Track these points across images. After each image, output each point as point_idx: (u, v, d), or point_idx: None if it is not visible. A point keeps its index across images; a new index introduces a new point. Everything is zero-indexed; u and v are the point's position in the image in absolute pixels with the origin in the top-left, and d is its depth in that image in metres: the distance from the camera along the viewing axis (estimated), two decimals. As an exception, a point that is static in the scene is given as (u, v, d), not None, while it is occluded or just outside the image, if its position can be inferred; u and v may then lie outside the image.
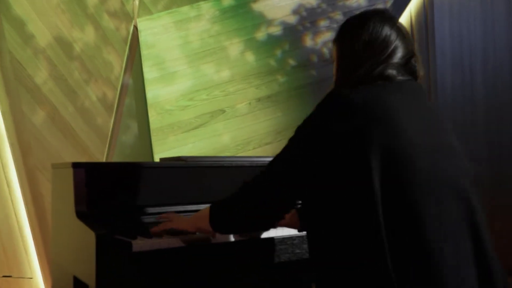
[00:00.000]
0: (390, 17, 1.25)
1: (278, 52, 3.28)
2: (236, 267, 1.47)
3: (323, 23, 3.33)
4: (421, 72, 1.25)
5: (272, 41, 3.27)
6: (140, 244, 1.29)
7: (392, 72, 1.17)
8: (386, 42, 1.19)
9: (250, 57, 3.24)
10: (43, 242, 2.60)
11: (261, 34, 3.26)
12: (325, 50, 3.33)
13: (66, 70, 2.76)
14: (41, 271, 2.61)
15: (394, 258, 1.03)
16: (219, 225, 1.31)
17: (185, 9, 3.15)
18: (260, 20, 3.26)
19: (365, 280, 1.05)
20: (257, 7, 3.25)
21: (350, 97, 1.11)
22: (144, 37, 3.08)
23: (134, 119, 3.13)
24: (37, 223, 2.60)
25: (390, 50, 1.19)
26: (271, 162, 1.23)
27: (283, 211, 1.24)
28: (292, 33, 3.30)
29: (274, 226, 1.33)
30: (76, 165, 1.47)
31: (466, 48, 3.54)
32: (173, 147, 3.14)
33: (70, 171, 1.46)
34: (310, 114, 1.18)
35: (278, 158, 1.22)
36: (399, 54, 1.20)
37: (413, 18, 3.48)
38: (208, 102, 3.19)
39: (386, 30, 1.20)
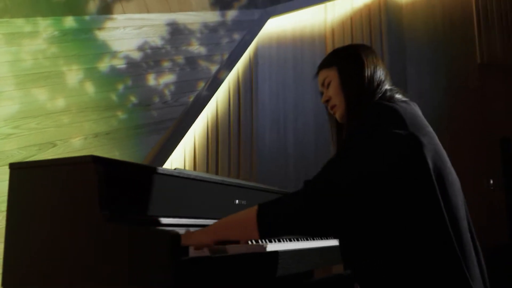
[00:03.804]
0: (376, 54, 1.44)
1: (120, 87, 3.05)
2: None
3: (166, 64, 3.27)
4: None
5: (114, 75, 3.03)
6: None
7: (397, 94, 1.35)
8: (384, 71, 1.38)
9: (89, 88, 2.93)
10: None
11: (103, 65, 3.00)
12: (167, 92, 3.26)
13: None
14: None
15: (461, 252, 1.09)
16: (273, 228, 1.19)
17: (19, 21, 2.69)
18: (104, 50, 3.00)
19: (440, 271, 1.06)
20: (101, 35, 2.99)
21: (398, 109, 1.21)
22: (-37, 45, 2.49)
23: None
24: None
25: (385, 78, 1.37)
26: (339, 163, 1.21)
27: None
28: (135, 69, 3.13)
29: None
30: (97, 160, 1.40)
31: (281, 107, 3.93)
32: (-16, 183, 2.53)
33: (88, 168, 1.37)
34: (365, 121, 1.21)
35: (352, 158, 1.19)
36: (389, 82, 1.40)
37: (240, 76, 3.73)
38: (37, 133, 2.72)
39: (380, 62, 1.40)
